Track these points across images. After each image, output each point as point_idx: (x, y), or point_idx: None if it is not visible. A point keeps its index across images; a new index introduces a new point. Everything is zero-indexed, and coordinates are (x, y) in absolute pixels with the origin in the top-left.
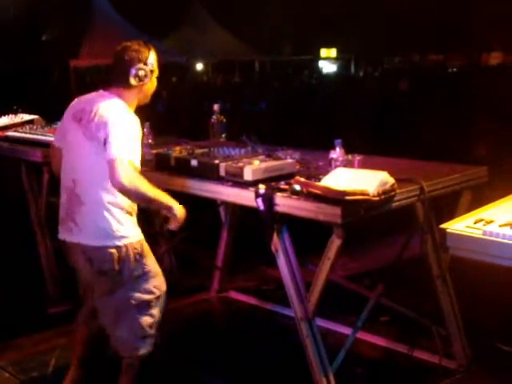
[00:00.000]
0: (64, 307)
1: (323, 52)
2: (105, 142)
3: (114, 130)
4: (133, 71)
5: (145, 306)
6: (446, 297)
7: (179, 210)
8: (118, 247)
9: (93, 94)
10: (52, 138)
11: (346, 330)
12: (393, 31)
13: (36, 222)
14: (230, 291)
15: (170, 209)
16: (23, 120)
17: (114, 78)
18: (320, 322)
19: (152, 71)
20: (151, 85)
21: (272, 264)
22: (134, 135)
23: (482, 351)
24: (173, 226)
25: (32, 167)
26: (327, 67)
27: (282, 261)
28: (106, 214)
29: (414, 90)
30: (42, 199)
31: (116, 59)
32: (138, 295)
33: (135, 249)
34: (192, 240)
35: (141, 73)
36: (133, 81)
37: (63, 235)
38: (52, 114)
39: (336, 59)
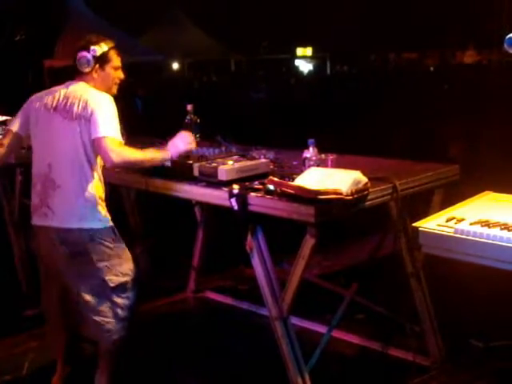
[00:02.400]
0: (38, 310)
1: (299, 51)
2: (89, 121)
3: (96, 109)
4: (77, 58)
5: (122, 288)
6: (419, 294)
7: (175, 147)
8: (91, 230)
9: (59, 86)
10: None
11: (321, 329)
12: (368, 30)
13: (10, 224)
14: (207, 291)
15: (166, 159)
16: None
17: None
18: (295, 321)
19: (96, 59)
20: (104, 74)
21: (249, 263)
22: (114, 111)
23: (455, 348)
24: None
25: (5, 169)
26: (303, 66)
27: (256, 260)
28: (81, 196)
29: (389, 88)
30: (15, 200)
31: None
32: (115, 277)
33: (108, 232)
34: (167, 240)
35: (82, 60)
36: (79, 67)
37: (35, 221)
38: None
39: (312, 58)
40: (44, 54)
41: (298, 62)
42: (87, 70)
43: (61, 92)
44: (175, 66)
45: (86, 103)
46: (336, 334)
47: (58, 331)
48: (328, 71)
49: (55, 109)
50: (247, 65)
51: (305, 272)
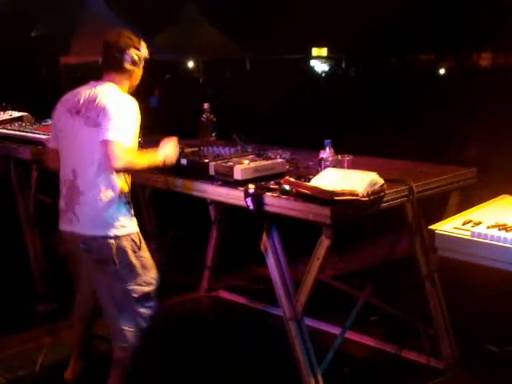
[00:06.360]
0: (52, 305)
1: (314, 51)
2: (103, 124)
3: (110, 113)
4: (127, 55)
5: (146, 298)
6: (434, 297)
7: (170, 156)
8: (116, 237)
9: (83, 87)
10: (42, 136)
11: (334, 330)
12: (384, 31)
13: (24, 220)
14: (220, 290)
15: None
16: (12, 117)
17: (106, 63)
18: (309, 322)
19: (143, 57)
20: (139, 72)
21: (262, 263)
22: (132, 116)
23: (470, 351)
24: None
25: (21, 165)
26: (318, 66)
27: (271, 260)
28: (104, 203)
29: (404, 90)
30: (30, 197)
31: (109, 44)
32: (138, 288)
33: (133, 240)
34: (181, 238)
35: (135, 57)
36: (127, 65)
37: (62, 226)
38: (41, 111)
39: (327, 58)
40: (60, 50)
41: (313, 63)
42: (132, 68)
43: (85, 94)
44: (190, 64)
45: (105, 108)
46: (350, 335)
47: (79, 325)
48: (343, 72)
49: (78, 113)
50: (262, 64)
51: (319, 273)
